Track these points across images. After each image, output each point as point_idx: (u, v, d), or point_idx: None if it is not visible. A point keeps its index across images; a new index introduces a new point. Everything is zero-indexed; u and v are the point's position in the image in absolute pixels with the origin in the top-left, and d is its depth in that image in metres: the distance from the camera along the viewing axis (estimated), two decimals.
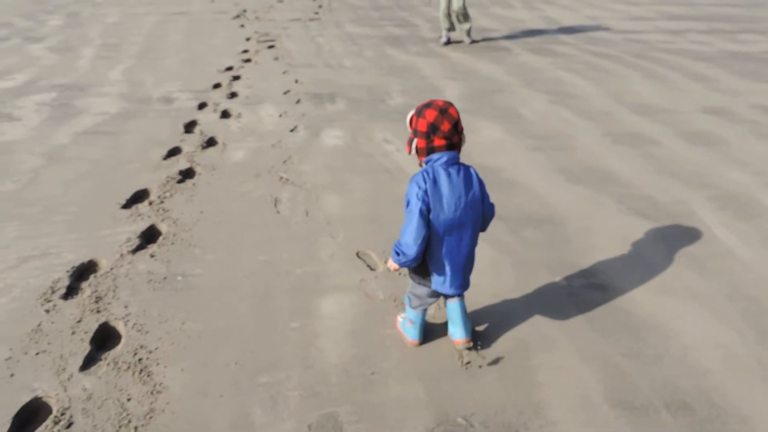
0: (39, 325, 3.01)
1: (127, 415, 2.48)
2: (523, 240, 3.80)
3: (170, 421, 2.44)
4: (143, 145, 5.25)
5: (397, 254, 2.50)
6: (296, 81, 7.23)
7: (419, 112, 2.46)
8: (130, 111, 6.16)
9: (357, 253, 3.66)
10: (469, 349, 2.76)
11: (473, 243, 2.57)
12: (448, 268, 2.56)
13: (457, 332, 2.73)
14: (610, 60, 8.31)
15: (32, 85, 7.03)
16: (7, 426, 2.41)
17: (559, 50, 8.87)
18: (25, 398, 2.55)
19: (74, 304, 3.17)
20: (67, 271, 3.44)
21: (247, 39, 9.54)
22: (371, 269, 3.50)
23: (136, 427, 2.43)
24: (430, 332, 2.93)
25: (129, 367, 2.73)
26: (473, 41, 9.16)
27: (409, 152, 2.53)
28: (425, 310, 2.76)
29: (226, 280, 3.37)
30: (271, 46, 9.06)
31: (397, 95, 6.69)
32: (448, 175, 2.45)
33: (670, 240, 3.83)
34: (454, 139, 2.46)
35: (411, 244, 2.45)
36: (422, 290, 2.68)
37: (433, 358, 2.79)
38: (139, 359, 2.78)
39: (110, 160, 4.96)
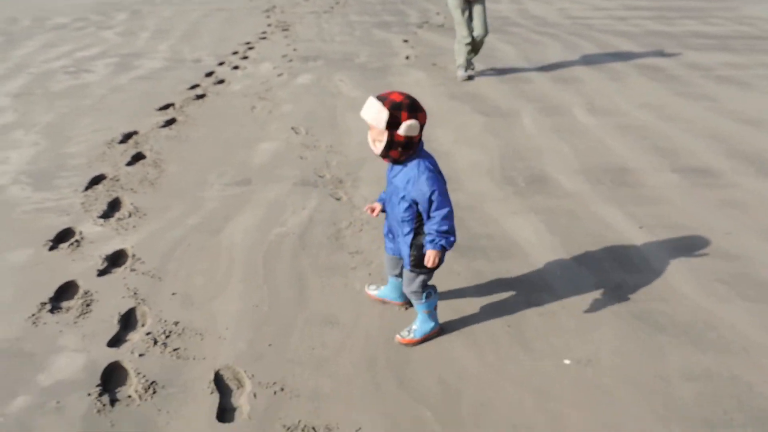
0: (103, 153, 5.55)
1: (147, 175, 4.99)
2: None
3: (166, 180, 4.93)
4: (175, 84, 7.82)
5: (451, 239, 2.71)
6: (294, 50, 9.73)
7: (417, 107, 2.64)
8: (170, 67, 8.76)
9: (291, 127, 6.11)
10: None
11: None
12: None
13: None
14: (547, 36, 10.51)
15: (103, 54, 9.70)
16: (85, 185, 4.92)
17: (511, 30, 11.11)
18: (95, 174, 5.09)
19: (123, 146, 5.69)
20: (120, 134, 5.98)
21: (269, 25, 12.12)
22: (296, 133, 5.95)
23: (150, 181, 4.93)
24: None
25: (151, 164, 5.24)
26: (470, 77, 7.82)
27: (397, 156, 2.70)
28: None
29: (210, 136, 5.87)
30: (285, 29, 11.60)
31: (363, 57, 9.12)
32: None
33: (490, 124, 6.13)
34: None
35: (455, 229, 2.72)
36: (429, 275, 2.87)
37: (311, 169, 5.21)
38: (155, 161, 5.29)
39: (152, 90, 7.54)
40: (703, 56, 8.89)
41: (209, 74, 8.21)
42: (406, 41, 10.24)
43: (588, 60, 8.69)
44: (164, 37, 10.68)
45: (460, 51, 7.61)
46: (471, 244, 3.86)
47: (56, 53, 9.54)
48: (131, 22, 12.33)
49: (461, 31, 7.44)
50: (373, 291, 3.32)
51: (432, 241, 2.68)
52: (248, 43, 10.25)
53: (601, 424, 2.51)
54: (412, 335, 2.98)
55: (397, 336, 3.00)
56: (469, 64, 7.71)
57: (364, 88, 7.35)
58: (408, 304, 3.20)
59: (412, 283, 2.87)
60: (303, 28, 11.58)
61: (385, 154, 2.69)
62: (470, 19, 7.44)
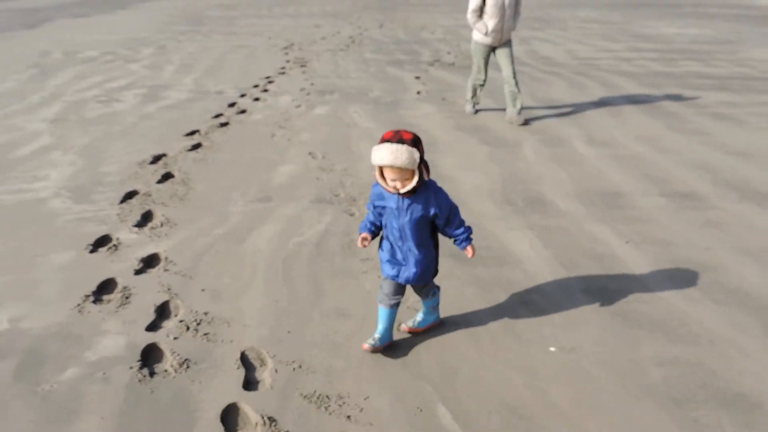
0: (135, 172, 6.02)
1: (176, 192, 5.45)
2: None
3: (194, 196, 5.38)
4: (200, 112, 8.36)
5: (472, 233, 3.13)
6: (311, 84, 10.29)
7: (420, 140, 2.86)
8: (195, 98, 9.32)
9: (309, 153, 6.58)
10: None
11: None
12: None
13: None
14: (553, 75, 11.03)
15: (131, 86, 10.30)
16: (120, 199, 5.38)
17: (520, 69, 11.52)
18: (128, 190, 5.56)
19: (154, 167, 6.17)
20: (151, 156, 6.47)
21: (287, 61, 12.74)
22: (313, 157, 6.42)
23: (180, 197, 5.39)
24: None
25: (179, 182, 5.70)
26: (525, 121, 7.73)
27: (419, 185, 2.87)
28: None
29: (234, 159, 6.34)
30: (303, 66, 12.20)
31: (376, 91, 9.66)
32: None
33: (493, 153, 6.57)
34: None
35: None
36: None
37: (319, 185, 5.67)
38: (183, 180, 5.76)
39: (179, 118, 8.07)
40: (701, 95, 9.35)
41: (232, 105, 8.74)
42: (417, 78, 10.78)
43: (591, 97, 9.17)
44: (189, 71, 11.28)
45: (471, 88, 8.13)
46: None
47: (87, 84, 10.14)
48: (157, 56, 12.99)
49: (477, 74, 7.90)
50: (373, 342, 3.20)
51: (467, 238, 3.08)
52: (268, 77, 10.83)
53: (579, 400, 2.88)
54: (416, 325, 3.36)
55: (403, 325, 3.37)
56: (476, 100, 8.24)
57: (377, 120, 7.84)
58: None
59: (432, 287, 3.27)
60: (320, 64, 12.17)
61: (415, 189, 2.88)
62: (486, 64, 7.81)
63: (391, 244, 3.10)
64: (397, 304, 3.21)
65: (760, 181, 5.67)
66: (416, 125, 7.60)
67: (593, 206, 5.10)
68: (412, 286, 3.22)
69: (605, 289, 3.81)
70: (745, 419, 2.76)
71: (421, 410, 2.81)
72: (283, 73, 11.28)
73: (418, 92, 9.57)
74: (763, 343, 3.31)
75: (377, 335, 3.21)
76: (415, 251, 3.03)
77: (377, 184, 2.94)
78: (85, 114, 8.15)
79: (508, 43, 7.67)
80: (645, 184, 5.61)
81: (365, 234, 3.09)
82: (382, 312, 3.21)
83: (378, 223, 3.11)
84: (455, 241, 3.11)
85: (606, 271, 4.05)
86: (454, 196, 5.27)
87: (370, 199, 3.07)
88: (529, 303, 3.67)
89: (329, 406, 2.83)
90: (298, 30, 17.41)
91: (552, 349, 3.23)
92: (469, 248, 3.09)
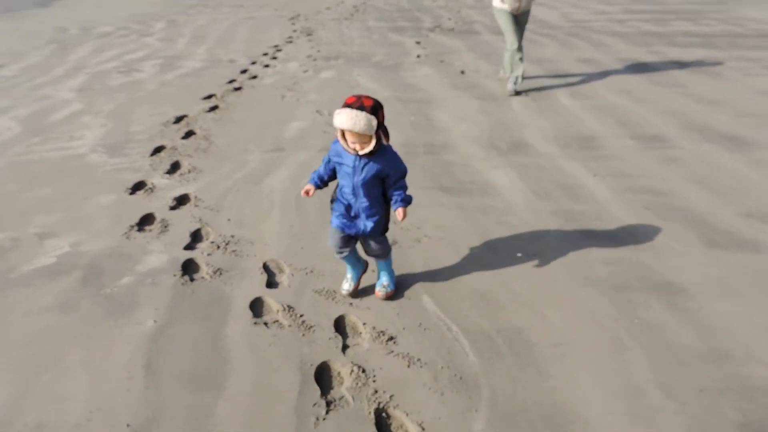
0: (161, 131, 6.74)
1: (200, 146, 6.17)
2: (405, 107, 7.32)
3: (215, 149, 6.09)
4: (215, 78, 9.03)
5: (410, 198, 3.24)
6: (317, 51, 10.92)
7: (381, 106, 2.98)
8: (209, 66, 9.98)
9: (316, 110, 7.27)
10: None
11: None
12: None
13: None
14: (547, 37, 11.58)
15: (148, 57, 10.96)
16: (150, 152, 6.11)
17: None
18: (156, 145, 6.28)
19: (177, 125, 6.87)
20: (173, 117, 7.17)
21: (294, 31, 13.34)
22: (320, 114, 7.10)
23: (203, 150, 6.10)
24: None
25: (201, 138, 6.41)
26: (517, 92, 7.66)
27: (388, 141, 3.07)
28: None
29: (248, 118, 7.04)
30: (309, 34, 12.81)
31: (379, 56, 10.28)
32: None
33: (483, 107, 7.22)
34: None
35: None
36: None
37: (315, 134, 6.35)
38: (205, 136, 6.46)
39: (195, 84, 8.75)
40: (685, 52, 9.91)
41: (244, 71, 9.41)
42: (418, 43, 11.38)
43: (580, 56, 9.75)
44: (201, 42, 11.92)
45: (508, 61, 7.65)
46: (457, 187, 4.96)
47: (107, 56, 10.81)
48: (169, 30, 13.62)
49: (508, 38, 7.46)
50: (348, 287, 3.54)
51: (403, 200, 3.21)
52: (276, 46, 11.46)
53: (536, 289, 3.59)
54: (390, 288, 3.55)
55: (378, 293, 3.53)
56: (517, 78, 7.61)
57: (379, 82, 8.49)
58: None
59: (384, 244, 3.40)
60: (325, 33, 12.78)
61: (373, 152, 3.06)
62: (514, 27, 7.43)
63: (344, 203, 3.29)
64: (346, 257, 3.46)
65: (723, 124, 6.31)
66: (415, 85, 8.24)
67: (568, 148, 5.76)
68: (363, 240, 3.37)
69: (569, 211, 4.50)
70: (669, 299, 3.46)
71: (409, 299, 3.53)
72: (291, 41, 11.88)
73: (418, 56, 10.17)
74: (697, 248, 3.99)
75: (348, 278, 3.56)
76: (368, 207, 3.22)
77: (337, 141, 3.14)
78: (108, 83, 8.83)
79: (525, 15, 7.49)
80: (618, 128, 6.26)
81: (310, 186, 3.36)
82: (348, 261, 3.51)
83: (325, 178, 3.34)
84: (393, 200, 3.24)
85: (572, 197, 4.73)
86: (447, 142, 6.00)
87: (328, 154, 3.26)
88: (503, 222, 4.36)
89: (335, 297, 3.56)
90: (304, 1, 17.93)
91: (519, 254, 3.93)
92: (400, 210, 3.20)
